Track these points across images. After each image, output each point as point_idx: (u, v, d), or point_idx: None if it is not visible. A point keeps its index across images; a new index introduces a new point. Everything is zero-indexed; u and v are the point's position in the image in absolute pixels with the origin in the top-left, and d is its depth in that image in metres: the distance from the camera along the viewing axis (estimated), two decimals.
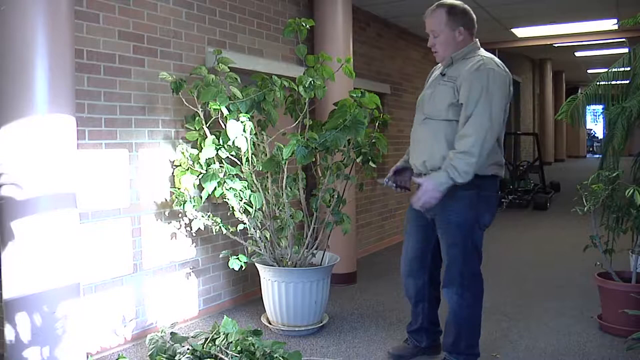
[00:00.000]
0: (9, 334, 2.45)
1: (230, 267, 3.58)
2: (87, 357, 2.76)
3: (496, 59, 2.79)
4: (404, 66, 6.91)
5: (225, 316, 2.85)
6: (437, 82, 2.89)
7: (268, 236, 3.69)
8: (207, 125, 3.56)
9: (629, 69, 3.87)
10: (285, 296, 3.54)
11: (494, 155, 2.78)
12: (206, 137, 3.51)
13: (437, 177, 2.68)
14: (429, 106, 2.85)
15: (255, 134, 3.52)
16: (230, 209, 3.62)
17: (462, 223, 2.77)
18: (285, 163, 3.46)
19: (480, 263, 2.87)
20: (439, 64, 3.03)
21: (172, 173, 3.66)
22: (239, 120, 3.34)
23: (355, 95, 3.50)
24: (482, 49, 2.87)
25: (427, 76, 3.11)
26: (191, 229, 3.67)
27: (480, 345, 2.95)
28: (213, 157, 3.49)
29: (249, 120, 3.36)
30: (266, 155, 3.65)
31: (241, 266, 3.57)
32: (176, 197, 3.52)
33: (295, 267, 3.65)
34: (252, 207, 3.53)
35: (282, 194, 3.59)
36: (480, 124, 2.63)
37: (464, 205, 2.75)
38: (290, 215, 3.59)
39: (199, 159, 3.48)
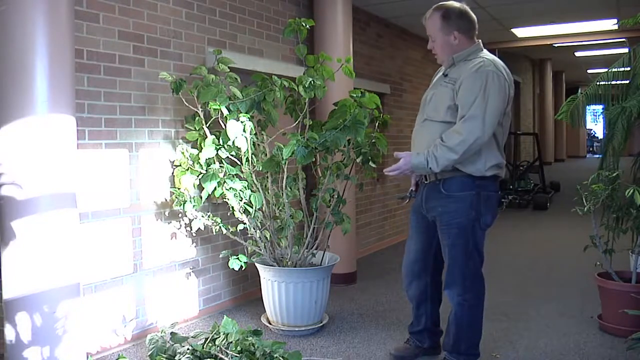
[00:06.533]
0: (9, 334, 2.45)
1: (230, 267, 3.58)
2: (87, 357, 2.75)
3: (498, 61, 2.79)
4: (404, 66, 6.91)
5: (225, 316, 2.85)
6: (439, 82, 2.89)
7: (268, 236, 3.69)
8: (207, 125, 3.56)
9: (629, 69, 3.87)
10: (285, 296, 3.54)
11: (494, 157, 2.79)
12: (206, 137, 3.51)
13: (416, 159, 2.75)
14: (429, 107, 2.86)
15: (255, 134, 3.52)
16: (230, 209, 3.62)
17: (464, 224, 2.77)
18: (285, 163, 3.46)
19: (481, 264, 2.87)
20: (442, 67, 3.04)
21: (172, 173, 3.66)
22: (239, 120, 3.33)
23: (355, 95, 3.50)
24: (485, 51, 2.86)
25: (433, 75, 3.11)
26: (191, 229, 3.67)
27: (480, 345, 2.95)
28: (213, 157, 3.48)
29: (249, 120, 3.36)
30: (266, 155, 3.65)
31: (241, 266, 3.57)
32: (176, 197, 3.52)
33: (295, 267, 3.65)
34: (252, 207, 3.53)
35: (282, 194, 3.59)
36: (473, 127, 2.65)
37: (465, 206, 2.76)
38: (290, 215, 3.59)
39: (199, 159, 3.48)
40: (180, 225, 3.75)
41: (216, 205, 3.97)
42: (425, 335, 3.13)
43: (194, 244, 3.88)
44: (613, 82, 3.98)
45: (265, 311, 3.75)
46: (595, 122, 25.07)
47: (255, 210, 3.56)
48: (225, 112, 3.37)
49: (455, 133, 2.68)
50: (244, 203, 3.55)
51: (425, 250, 3.02)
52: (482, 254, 2.86)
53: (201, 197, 3.56)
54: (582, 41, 8.78)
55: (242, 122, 3.33)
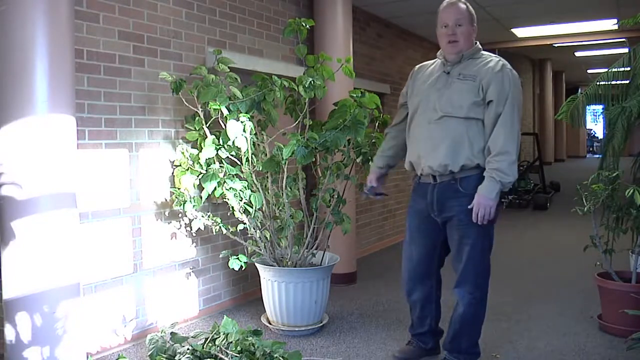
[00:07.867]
0: (9, 334, 2.45)
1: (230, 267, 3.58)
2: (87, 357, 2.75)
3: None
4: (404, 66, 6.91)
5: (225, 316, 2.85)
6: (444, 80, 2.85)
7: (268, 236, 3.69)
8: (207, 125, 3.56)
9: (629, 69, 3.87)
10: (285, 296, 3.54)
11: None
12: (206, 137, 3.51)
13: (485, 189, 2.70)
14: (445, 104, 2.80)
15: (255, 134, 3.52)
16: (230, 209, 3.62)
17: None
18: (285, 163, 3.46)
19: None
20: (424, 65, 3.03)
21: (172, 173, 3.66)
22: (239, 120, 3.34)
23: (355, 95, 3.50)
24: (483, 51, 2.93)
25: (410, 76, 3.08)
26: (191, 229, 3.67)
27: (480, 345, 2.95)
28: (213, 157, 3.48)
29: (249, 120, 3.36)
30: (266, 155, 3.65)
31: (241, 266, 3.57)
32: (176, 197, 3.52)
33: (295, 267, 3.65)
34: (252, 207, 3.53)
35: (282, 194, 3.59)
36: (511, 122, 2.71)
37: None
38: (290, 215, 3.59)
39: (199, 159, 3.48)
40: (180, 225, 3.75)
41: (216, 205, 3.97)
42: (429, 337, 3.13)
43: (194, 244, 3.88)
44: (613, 82, 3.99)
45: (265, 311, 3.75)
46: (595, 122, 25.08)
47: (255, 210, 3.56)
48: (225, 112, 3.37)
49: (497, 137, 2.69)
50: (244, 203, 3.54)
51: (430, 253, 3.01)
52: (491, 250, 2.91)
53: (201, 197, 3.56)
54: (582, 41, 8.77)
55: (242, 122, 3.33)
